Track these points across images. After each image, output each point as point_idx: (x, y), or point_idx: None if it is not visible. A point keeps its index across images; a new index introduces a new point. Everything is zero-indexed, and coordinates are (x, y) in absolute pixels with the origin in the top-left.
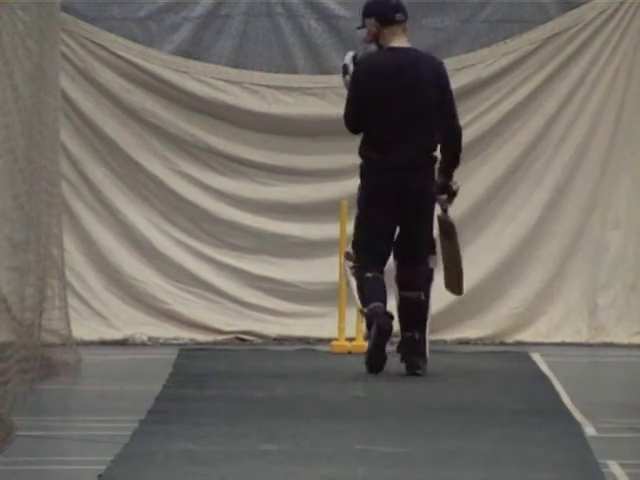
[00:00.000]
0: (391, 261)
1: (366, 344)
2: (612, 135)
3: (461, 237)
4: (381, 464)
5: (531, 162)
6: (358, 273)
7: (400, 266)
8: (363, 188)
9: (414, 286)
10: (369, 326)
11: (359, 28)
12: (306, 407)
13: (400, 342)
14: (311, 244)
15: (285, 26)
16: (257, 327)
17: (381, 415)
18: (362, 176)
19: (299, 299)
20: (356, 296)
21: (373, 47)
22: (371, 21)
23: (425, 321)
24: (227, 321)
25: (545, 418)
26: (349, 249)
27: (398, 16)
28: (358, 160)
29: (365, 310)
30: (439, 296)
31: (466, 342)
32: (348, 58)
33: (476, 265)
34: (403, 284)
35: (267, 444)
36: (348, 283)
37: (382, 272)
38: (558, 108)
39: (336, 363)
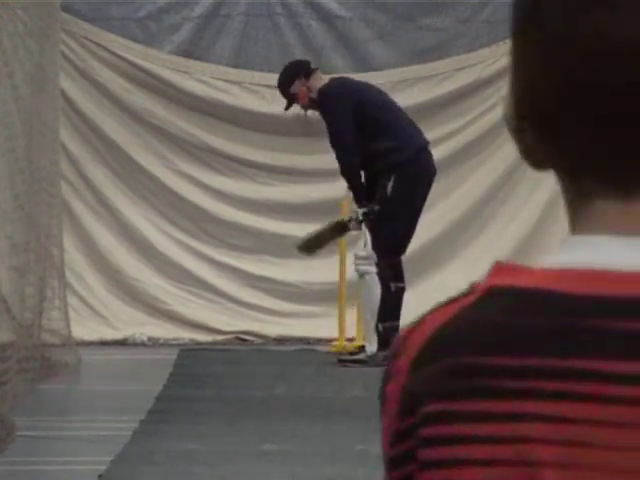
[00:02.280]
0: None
1: (376, 354)
2: None
3: (461, 237)
4: (381, 464)
5: None
6: (385, 278)
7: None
8: (412, 175)
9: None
10: (383, 345)
11: (288, 108)
12: (306, 407)
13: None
14: None
15: (285, 26)
16: (257, 327)
17: None
18: (399, 168)
19: (299, 299)
20: (375, 306)
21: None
22: (295, 85)
23: None
24: (227, 321)
25: None
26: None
27: (312, 64)
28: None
29: (380, 327)
30: (439, 296)
31: None
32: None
33: (476, 265)
34: (400, 275)
35: (267, 444)
36: (369, 291)
37: None
38: None
39: (336, 363)
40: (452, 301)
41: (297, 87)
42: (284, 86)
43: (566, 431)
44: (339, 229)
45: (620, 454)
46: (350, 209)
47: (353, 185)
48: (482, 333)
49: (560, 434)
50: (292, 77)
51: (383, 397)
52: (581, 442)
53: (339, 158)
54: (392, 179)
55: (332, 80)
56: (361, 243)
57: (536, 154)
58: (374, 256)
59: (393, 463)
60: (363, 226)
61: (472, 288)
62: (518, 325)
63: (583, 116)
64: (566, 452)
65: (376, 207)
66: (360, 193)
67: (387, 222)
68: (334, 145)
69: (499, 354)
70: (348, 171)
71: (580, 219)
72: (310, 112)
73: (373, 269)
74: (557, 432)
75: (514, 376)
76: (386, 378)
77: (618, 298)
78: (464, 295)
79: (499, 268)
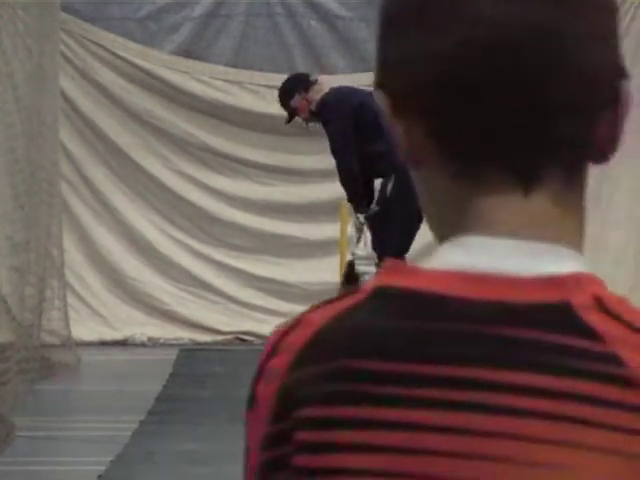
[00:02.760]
0: None
1: None
2: None
3: None
4: None
5: None
6: None
7: None
8: (410, 176)
9: None
10: None
11: (289, 121)
12: None
13: None
14: (311, 244)
15: (285, 26)
16: (257, 327)
17: None
18: (400, 168)
19: (299, 299)
20: None
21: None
22: (295, 99)
23: None
24: (227, 321)
25: None
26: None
27: (312, 76)
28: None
29: None
30: None
31: None
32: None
33: None
34: None
35: None
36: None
37: None
38: None
39: None
40: (336, 300)
41: (297, 101)
42: (284, 100)
43: (451, 442)
44: (349, 272)
45: (505, 466)
46: (350, 220)
47: (352, 192)
48: (364, 337)
49: (445, 445)
50: (292, 91)
51: (253, 398)
52: (467, 454)
53: (339, 166)
54: (392, 179)
55: (330, 90)
56: (361, 243)
57: (423, 150)
58: (374, 256)
59: (263, 469)
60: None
61: (360, 287)
62: (403, 330)
63: (481, 105)
64: (450, 463)
65: (376, 208)
66: (359, 200)
67: (387, 223)
68: (334, 154)
69: (381, 359)
70: (348, 179)
71: (470, 217)
72: (312, 124)
73: (373, 269)
74: (441, 442)
75: (397, 383)
76: (258, 378)
77: (513, 305)
78: (349, 294)
79: (389, 267)
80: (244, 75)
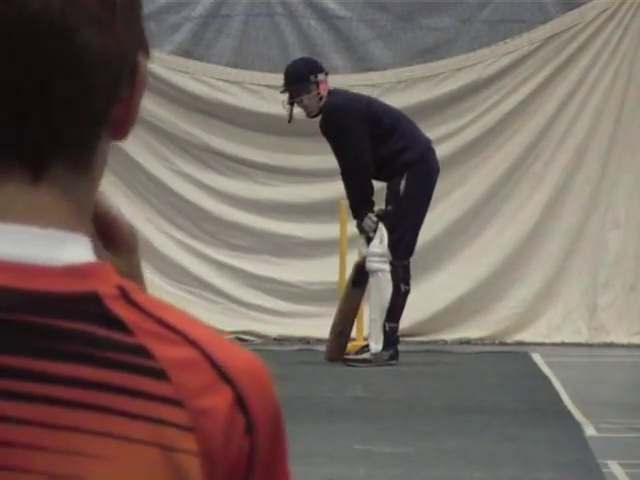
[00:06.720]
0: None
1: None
2: (612, 135)
3: (461, 237)
4: (381, 464)
5: (531, 162)
6: (397, 280)
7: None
8: (422, 173)
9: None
10: (388, 344)
11: (293, 100)
12: (306, 407)
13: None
14: (311, 244)
15: (285, 26)
16: (257, 327)
17: (381, 415)
18: (412, 166)
19: (299, 299)
20: (385, 304)
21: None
22: (323, 76)
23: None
24: (227, 321)
25: (545, 418)
26: (388, 255)
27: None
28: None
29: (387, 327)
30: (439, 296)
31: (466, 342)
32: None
33: (476, 265)
34: (408, 277)
35: None
36: (381, 289)
37: None
38: (558, 108)
39: (336, 363)
40: None
41: (321, 79)
42: (308, 71)
43: None
44: (358, 271)
45: (44, 456)
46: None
47: (366, 196)
48: None
49: None
50: (319, 68)
51: None
52: (3, 442)
53: (358, 171)
54: (405, 178)
55: (334, 94)
56: (376, 240)
57: None
58: (389, 254)
59: None
60: (379, 224)
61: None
62: None
63: None
64: None
65: (389, 207)
66: (369, 205)
67: (399, 222)
68: (353, 164)
69: None
70: (365, 183)
71: None
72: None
73: (387, 267)
74: None
75: None
76: None
77: (43, 293)
78: None
79: None
80: (244, 75)
